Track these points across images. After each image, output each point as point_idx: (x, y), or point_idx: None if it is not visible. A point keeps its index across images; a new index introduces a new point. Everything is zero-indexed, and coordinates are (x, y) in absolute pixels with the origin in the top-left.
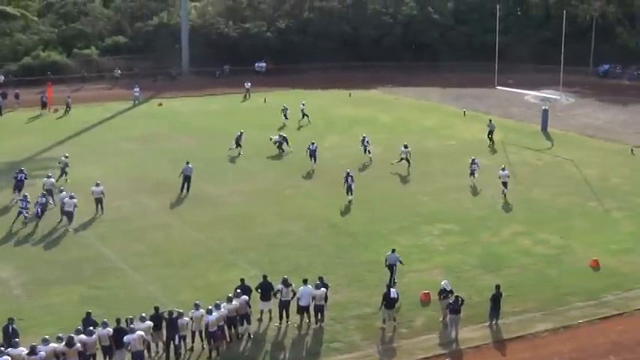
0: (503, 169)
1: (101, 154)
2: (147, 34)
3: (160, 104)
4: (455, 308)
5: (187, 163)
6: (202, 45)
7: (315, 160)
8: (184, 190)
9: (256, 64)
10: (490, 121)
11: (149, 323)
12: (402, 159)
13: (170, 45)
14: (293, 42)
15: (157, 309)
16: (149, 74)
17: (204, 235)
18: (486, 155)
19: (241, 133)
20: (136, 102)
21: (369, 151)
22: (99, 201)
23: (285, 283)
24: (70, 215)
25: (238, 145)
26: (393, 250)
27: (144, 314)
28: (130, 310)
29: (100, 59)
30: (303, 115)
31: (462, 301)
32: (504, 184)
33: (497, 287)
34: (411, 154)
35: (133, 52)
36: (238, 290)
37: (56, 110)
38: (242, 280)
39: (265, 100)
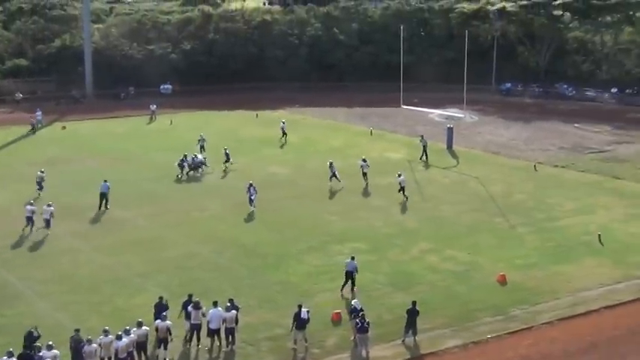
0: (399, 176)
1: (4, 178)
2: (49, 56)
3: (64, 127)
4: (362, 328)
5: (105, 181)
6: (106, 67)
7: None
8: (102, 208)
9: (162, 86)
10: (422, 137)
11: (56, 352)
12: (364, 174)
13: (73, 67)
14: (199, 63)
15: (77, 330)
16: (52, 97)
17: (112, 259)
18: (393, 173)
19: (185, 155)
20: (39, 125)
21: (230, 160)
22: (29, 221)
23: (196, 306)
24: (47, 222)
25: (181, 167)
26: (353, 258)
27: (50, 342)
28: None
29: (1, 82)
30: (284, 133)
31: (367, 321)
32: (402, 189)
33: (414, 303)
34: (369, 167)
35: (35, 74)
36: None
37: None
38: (161, 298)
39: (171, 122)
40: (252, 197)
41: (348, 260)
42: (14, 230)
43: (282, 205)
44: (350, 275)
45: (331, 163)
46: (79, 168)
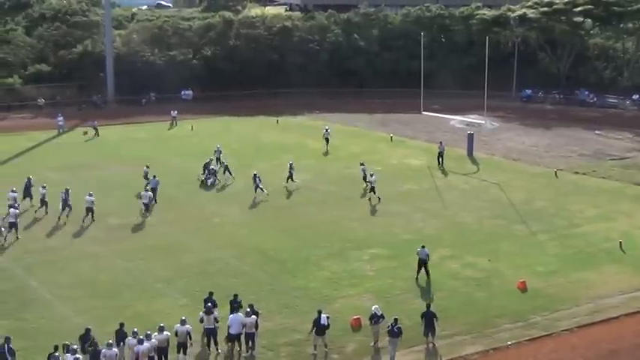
0: (371, 175)
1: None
2: (71, 62)
3: (86, 133)
4: (393, 332)
5: (154, 177)
6: (127, 73)
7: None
8: (153, 201)
9: (182, 92)
10: (441, 143)
11: (78, 356)
12: (364, 178)
13: (95, 73)
14: (219, 69)
15: (122, 325)
16: (73, 103)
17: (132, 264)
18: (413, 179)
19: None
20: (61, 131)
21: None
22: (89, 210)
23: (208, 311)
24: (146, 206)
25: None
26: (423, 246)
27: (75, 346)
28: (57, 343)
29: (23, 88)
30: (327, 140)
31: (399, 326)
32: (372, 188)
33: (428, 306)
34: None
35: (57, 80)
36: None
37: None
38: (211, 294)
39: (192, 128)
40: (260, 185)
41: (419, 249)
42: (35, 235)
43: (302, 211)
44: (423, 263)
45: (291, 164)
46: (100, 173)
